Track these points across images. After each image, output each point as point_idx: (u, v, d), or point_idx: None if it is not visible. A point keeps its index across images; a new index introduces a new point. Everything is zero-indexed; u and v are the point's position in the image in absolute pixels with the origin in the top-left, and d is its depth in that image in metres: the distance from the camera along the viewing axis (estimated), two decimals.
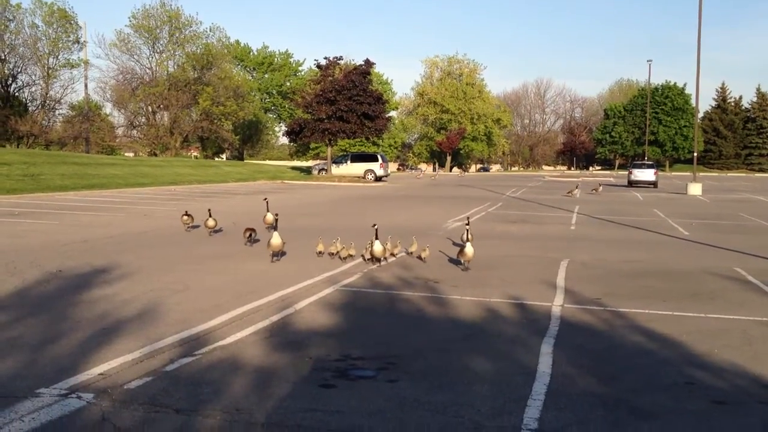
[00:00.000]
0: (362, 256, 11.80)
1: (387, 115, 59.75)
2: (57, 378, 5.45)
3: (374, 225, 11.48)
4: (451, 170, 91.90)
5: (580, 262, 12.44)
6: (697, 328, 7.67)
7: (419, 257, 12.13)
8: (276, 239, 11.34)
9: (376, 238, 11.19)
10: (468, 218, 10.96)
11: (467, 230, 11.99)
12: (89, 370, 5.68)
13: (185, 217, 15.89)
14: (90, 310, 7.82)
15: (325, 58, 55.48)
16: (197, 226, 16.24)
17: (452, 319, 7.96)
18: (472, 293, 9.32)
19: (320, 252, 12.02)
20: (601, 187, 39.68)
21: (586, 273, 11.29)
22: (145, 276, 10.10)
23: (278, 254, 11.77)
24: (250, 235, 13.40)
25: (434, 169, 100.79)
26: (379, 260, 11.44)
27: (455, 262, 11.70)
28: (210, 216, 15.06)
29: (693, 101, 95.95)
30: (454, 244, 13.69)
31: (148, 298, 8.48)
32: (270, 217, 15.00)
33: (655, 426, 4.83)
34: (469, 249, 11.01)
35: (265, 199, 16.39)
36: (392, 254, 12.06)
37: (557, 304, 8.77)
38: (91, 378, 5.48)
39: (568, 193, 34.97)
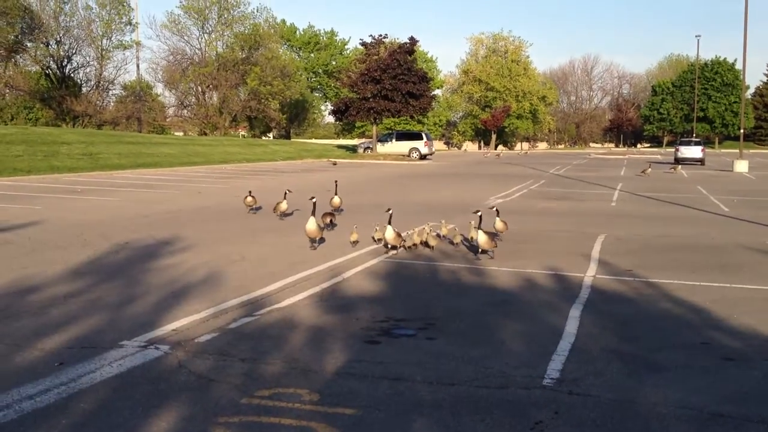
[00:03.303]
0: (372, 237, 11.35)
1: (431, 94, 59.95)
2: (136, 333, 6.23)
3: (388, 210, 11.05)
4: (495, 148, 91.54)
5: (616, 236, 12.85)
6: (721, 297, 8.11)
7: (451, 242, 11.51)
8: (311, 225, 10.75)
9: (389, 223, 10.56)
10: (478, 210, 11.05)
11: (479, 217, 10.68)
12: (163, 326, 6.45)
13: (249, 199, 15.40)
14: (158, 277, 8.64)
15: (370, 36, 55.96)
16: (260, 208, 15.85)
17: (488, 287, 8.56)
18: (509, 264, 9.89)
19: (355, 242, 11.16)
20: (650, 168, 35.44)
21: (621, 247, 11.72)
22: (204, 248, 10.91)
23: (316, 241, 11.08)
24: (331, 221, 12.80)
25: (479, 148, 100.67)
26: (395, 247, 10.76)
27: (474, 249, 10.87)
28: (285, 199, 14.32)
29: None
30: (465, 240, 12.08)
31: (209, 267, 9.27)
32: (337, 200, 14.87)
33: (666, 377, 5.37)
34: (481, 237, 10.22)
35: (336, 182, 16.02)
36: (428, 244, 11.01)
37: (590, 275, 9.27)
38: (166, 333, 6.25)
39: (642, 172, 33.99)
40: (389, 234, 10.46)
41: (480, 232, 10.27)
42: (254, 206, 15.62)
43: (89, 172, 28.89)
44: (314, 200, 11.26)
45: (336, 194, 15.04)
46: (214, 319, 6.73)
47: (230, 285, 8.24)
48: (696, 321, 7.09)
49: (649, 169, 34.43)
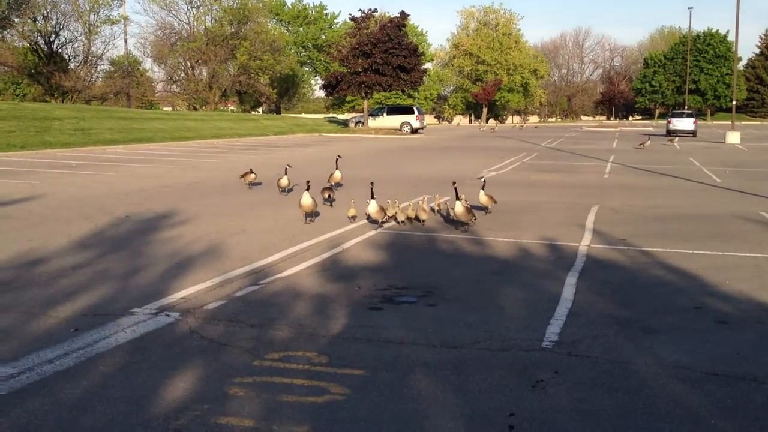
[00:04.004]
0: (349, 216, 10.97)
1: (422, 68, 59.82)
2: (146, 301, 6.39)
3: (371, 183, 10.87)
4: (487, 122, 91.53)
5: (610, 207, 13.06)
6: (713, 264, 8.33)
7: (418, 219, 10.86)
8: (306, 200, 10.62)
9: (372, 198, 10.38)
10: (454, 182, 10.73)
11: (455, 189, 10.26)
12: (171, 295, 6.61)
13: (252, 175, 15.22)
14: (162, 248, 8.78)
15: (360, 10, 55.61)
16: (259, 184, 15.77)
17: (486, 256, 8.75)
18: (505, 235, 10.07)
19: (353, 216, 10.92)
20: (649, 141, 34.98)
21: (615, 217, 11.93)
22: (204, 220, 11.04)
23: (311, 215, 11.04)
24: (329, 195, 12.77)
25: (470, 121, 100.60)
26: (376, 221, 10.57)
27: (451, 222, 10.86)
28: (285, 174, 14.15)
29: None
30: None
31: (211, 239, 9.41)
32: (338, 174, 14.77)
33: (661, 339, 5.58)
34: (458, 208, 10.06)
35: (339, 156, 15.87)
36: (418, 219, 10.78)
37: (584, 244, 9.47)
38: (175, 301, 6.41)
39: (641, 144, 33.97)
40: (372, 208, 10.28)
41: (457, 203, 10.05)
42: (254, 182, 15.51)
43: (82, 147, 28.84)
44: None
45: (337, 168, 14.99)
46: (220, 288, 6.89)
47: (233, 256, 8.39)
48: (689, 287, 7.30)
49: (648, 142, 34.38)
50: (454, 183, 10.44)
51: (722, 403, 4.32)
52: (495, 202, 11.96)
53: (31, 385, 4.44)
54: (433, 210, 11.55)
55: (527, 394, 4.43)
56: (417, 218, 10.82)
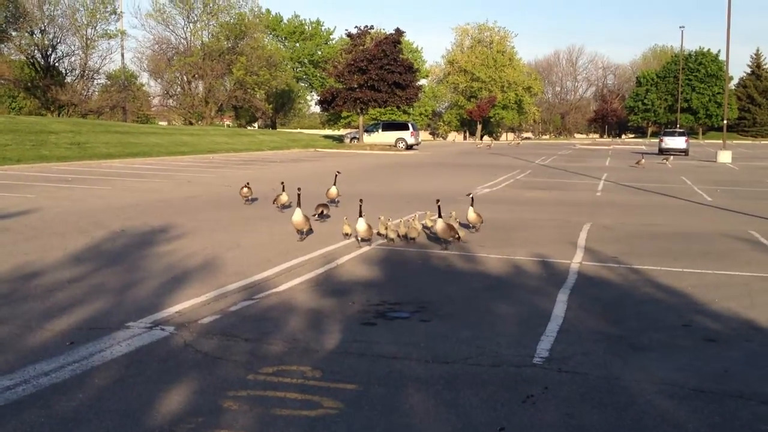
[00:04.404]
0: (344, 233, 10.78)
1: (417, 84, 60.12)
2: (141, 315, 6.44)
3: (360, 201, 10.59)
4: (481, 138, 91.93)
5: (602, 225, 13.17)
6: (702, 282, 8.42)
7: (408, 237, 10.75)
8: (297, 216, 10.56)
9: (360, 215, 10.14)
10: (438, 199, 10.62)
11: (438, 207, 10.38)
12: (166, 309, 6.66)
13: (245, 189, 15.28)
14: (157, 262, 8.85)
15: (356, 27, 55.98)
16: (256, 199, 15.78)
17: (479, 273, 8.83)
18: (498, 251, 10.16)
19: (347, 234, 10.74)
20: (644, 160, 34.67)
21: (607, 235, 12.03)
22: (199, 235, 11.11)
23: (303, 232, 10.87)
24: (322, 212, 12.77)
25: (464, 138, 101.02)
26: (365, 240, 10.38)
27: (433, 239, 10.80)
28: (283, 191, 13.94)
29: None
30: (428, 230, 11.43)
31: (206, 254, 9.47)
32: (334, 190, 14.68)
33: (650, 356, 5.66)
34: (438, 225, 10.08)
35: (338, 172, 15.74)
36: (407, 237, 10.66)
37: (576, 261, 9.56)
38: (170, 315, 6.47)
39: (637, 163, 34.04)
40: (361, 226, 10.09)
41: (439, 220, 10.04)
42: (250, 197, 15.52)
43: (78, 161, 28.87)
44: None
45: (334, 184, 14.95)
46: (215, 302, 6.95)
47: (228, 270, 8.46)
48: (678, 305, 7.39)
49: (644, 160, 34.48)
50: (438, 201, 10.59)
51: (709, 420, 4.39)
52: (482, 221, 11.82)
53: (27, 398, 4.50)
54: (425, 227, 11.50)
55: (517, 409, 4.50)
56: (406, 236, 10.70)
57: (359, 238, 10.37)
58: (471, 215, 11.62)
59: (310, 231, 11.31)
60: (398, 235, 10.69)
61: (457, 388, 4.85)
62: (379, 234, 10.67)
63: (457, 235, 10.34)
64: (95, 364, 5.14)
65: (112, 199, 16.17)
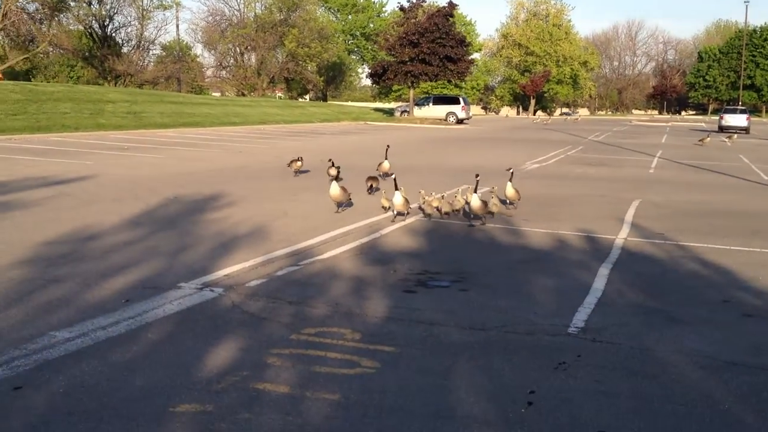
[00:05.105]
0: (382, 206, 10.80)
1: (469, 58, 59.63)
2: (191, 277, 6.75)
3: (392, 174, 10.60)
4: (534, 113, 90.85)
5: (652, 202, 13.05)
6: (749, 260, 8.35)
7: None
8: (334, 189, 10.63)
9: (396, 189, 10.09)
10: (477, 174, 10.40)
11: (477, 181, 10.18)
12: (215, 272, 6.95)
13: (298, 163, 15.42)
14: (207, 228, 9.18)
15: (408, 0, 55.55)
16: (306, 171, 15.85)
17: (521, 246, 8.91)
18: (542, 226, 10.20)
19: (385, 207, 10.74)
20: (709, 138, 33.80)
21: (656, 211, 11.93)
22: (248, 203, 11.43)
23: (341, 204, 10.92)
24: (371, 185, 12.85)
25: (517, 113, 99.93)
26: (402, 214, 10.39)
27: (467, 215, 10.59)
28: (332, 165, 13.28)
29: None
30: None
31: (254, 221, 9.77)
32: (386, 164, 14.63)
33: (686, 330, 5.70)
34: (474, 201, 9.92)
35: (388, 146, 15.71)
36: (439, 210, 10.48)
37: (621, 237, 9.55)
38: (219, 278, 6.76)
39: (700, 141, 33.39)
40: (398, 200, 10.06)
41: (474, 196, 9.87)
42: (301, 170, 15.59)
43: (134, 130, 29.69)
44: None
45: (386, 158, 14.92)
46: (262, 267, 7.22)
47: (275, 238, 8.72)
48: (721, 281, 7.37)
49: (708, 138, 33.64)
50: (477, 176, 10.39)
51: (738, 390, 4.45)
52: (519, 198, 11.48)
53: (85, 348, 4.82)
54: (467, 202, 11.08)
55: (549, 375, 4.63)
56: (446, 211, 10.46)
57: (395, 212, 10.38)
58: (509, 191, 11.35)
59: (349, 204, 11.36)
60: (437, 210, 10.56)
61: (491, 353, 5.00)
62: (419, 208, 10.62)
63: (490, 213, 10.27)
64: (149, 320, 5.45)
65: (165, 167, 16.67)
